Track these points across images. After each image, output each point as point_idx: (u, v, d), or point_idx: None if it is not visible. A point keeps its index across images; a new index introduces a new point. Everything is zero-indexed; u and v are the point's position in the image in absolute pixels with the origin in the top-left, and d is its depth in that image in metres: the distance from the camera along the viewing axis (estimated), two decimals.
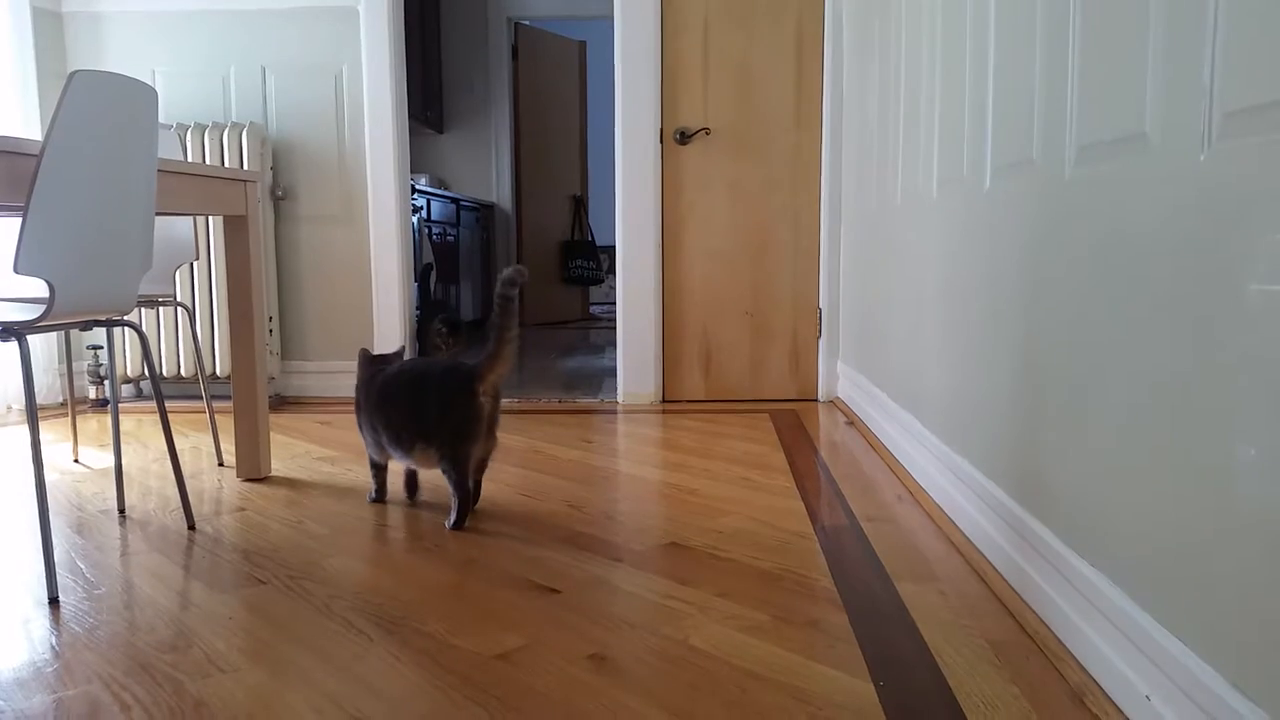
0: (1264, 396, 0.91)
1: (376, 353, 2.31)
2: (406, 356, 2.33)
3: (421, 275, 4.34)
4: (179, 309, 3.71)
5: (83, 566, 1.84)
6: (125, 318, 2.03)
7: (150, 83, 3.77)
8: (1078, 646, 1.34)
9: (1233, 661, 0.97)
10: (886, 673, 1.34)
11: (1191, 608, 1.05)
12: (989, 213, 1.79)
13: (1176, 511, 1.09)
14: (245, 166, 3.63)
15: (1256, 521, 0.93)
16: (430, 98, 6.64)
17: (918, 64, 2.40)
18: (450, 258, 6.11)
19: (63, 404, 3.80)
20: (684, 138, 3.67)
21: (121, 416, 3.58)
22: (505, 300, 2.02)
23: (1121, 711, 1.19)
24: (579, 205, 7.91)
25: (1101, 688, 1.25)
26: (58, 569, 1.82)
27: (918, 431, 2.37)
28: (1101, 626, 1.26)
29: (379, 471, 2.27)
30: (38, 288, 1.75)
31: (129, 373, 3.81)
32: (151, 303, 2.74)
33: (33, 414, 1.68)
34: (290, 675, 1.36)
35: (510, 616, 1.57)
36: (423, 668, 1.37)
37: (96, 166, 1.75)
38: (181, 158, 3.58)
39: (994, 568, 1.71)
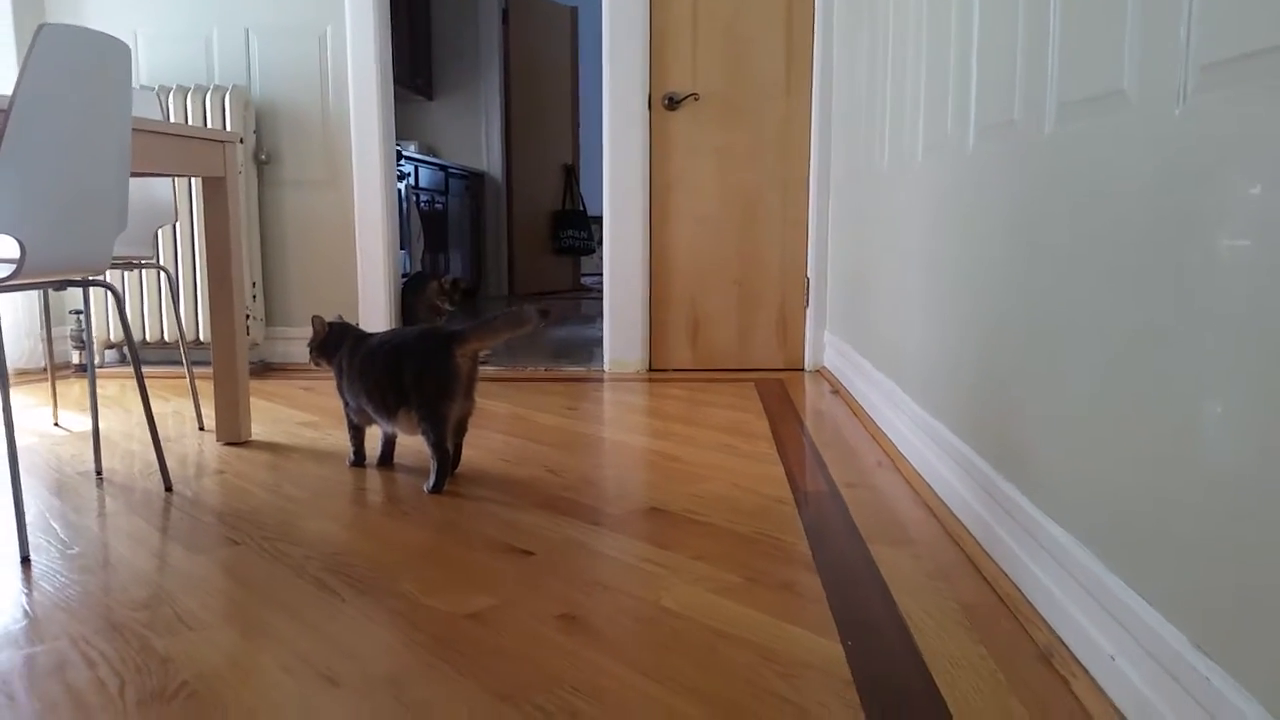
0: (1230, 355, 0.90)
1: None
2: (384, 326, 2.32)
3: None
4: (160, 273, 3.69)
5: (57, 527, 1.84)
6: (101, 278, 2.01)
7: (131, 44, 3.72)
8: (1047, 608, 1.34)
9: (1196, 622, 0.97)
10: (856, 633, 1.34)
11: (1157, 569, 1.05)
12: (971, 175, 1.78)
13: (1142, 472, 1.08)
14: (228, 130, 3.59)
15: (1219, 482, 0.92)
16: (419, 64, 6.57)
17: (905, 26, 2.38)
18: (439, 226, 6.08)
19: (45, 369, 3.78)
20: (672, 103, 3.64)
21: (104, 381, 3.57)
22: (521, 318, 2.04)
23: (1088, 672, 1.19)
24: (570, 174, 7.86)
25: (1069, 648, 1.25)
26: (33, 530, 1.81)
27: (899, 398, 2.37)
28: (1070, 588, 1.26)
29: (357, 434, 2.27)
30: (8, 247, 1.73)
31: (111, 337, 3.79)
32: (130, 265, 2.72)
33: (2, 373, 1.66)
34: (260, 634, 1.35)
35: (483, 578, 1.56)
36: (394, 627, 1.37)
37: (67, 122, 1.72)
38: (161, 120, 3.53)
39: (969, 532, 1.71)
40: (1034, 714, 1.13)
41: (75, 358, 3.81)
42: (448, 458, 2.07)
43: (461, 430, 2.15)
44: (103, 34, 1.79)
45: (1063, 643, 1.27)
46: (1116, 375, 1.15)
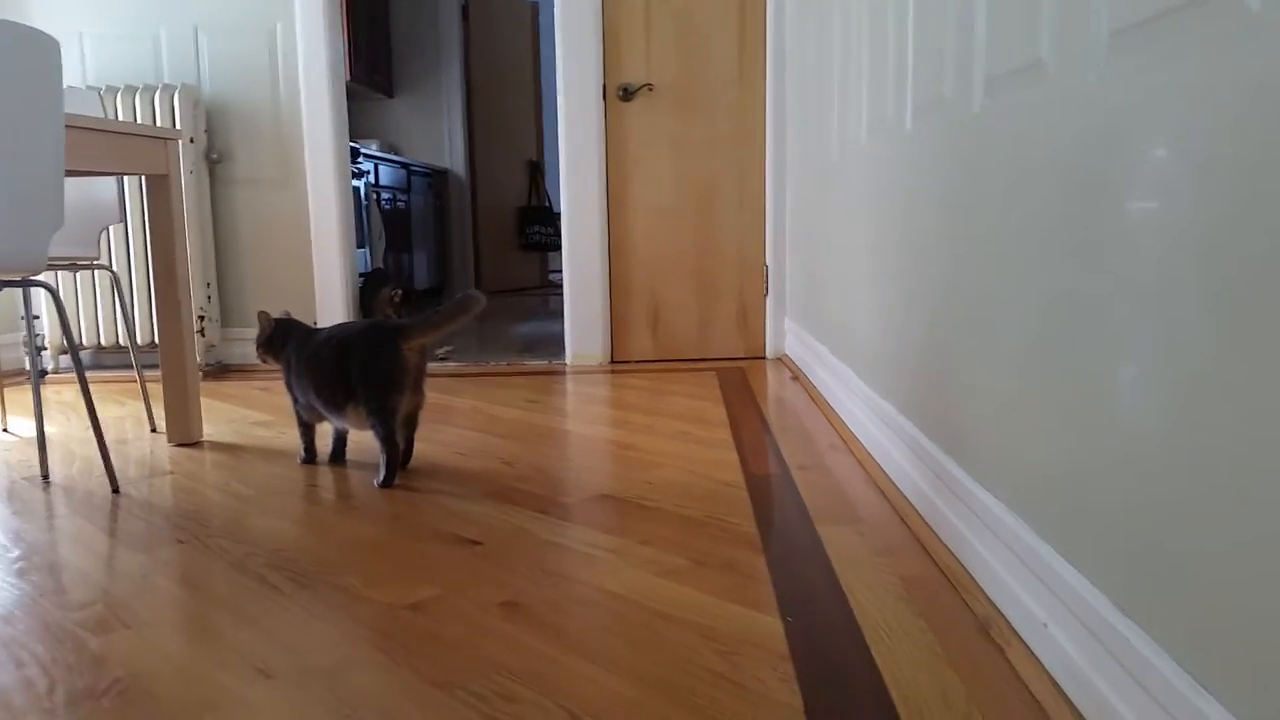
0: (1139, 319, 0.91)
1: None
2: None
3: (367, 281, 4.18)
4: (107, 275, 3.63)
5: None
6: (39, 279, 1.98)
7: (77, 44, 3.67)
8: (986, 580, 1.34)
9: (1119, 585, 0.98)
10: (796, 609, 1.34)
11: (1082, 533, 1.06)
12: (909, 155, 1.78)
13: (1065, 440, 1.09)
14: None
15: (1132, 444, 0.93)
16: (379, 61, 6.52)
17: (849, 8, 2.38)
18: (401, 225, 6.04)
19: (12, 373, 3.72)
20: (627, 94, 3.63)
21: (59, 386, 3.52)
22: (466, 303, 2.03)
23: (1023, 640, 1.20)
24: (535, 170, 7.83)
25: (1006, 618, 1.26)
26: None
27: (851, 381, 2.38)
28: (1005, 558, 1.27)
29: (307, 431, 2.25)
30: None
31: (64, 343, 3.73)
32: (75, 266, 2.68)
33: None
34: (196, 630, 1.34)
35: (428, 568, 1.55)
36: (332, 620, 1.36)
37: None
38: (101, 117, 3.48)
39: (914, 508, 1.72)
40: (968, 683, 1.13)
41: (29, 364, 3.75)
42: (397, 451, 2.06)
43: (412, 424, 2.14)
44: (29, 28, 1.76)
45: (1000, 613, 1.28)
46: (1039, 345, 1.16)
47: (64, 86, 1.90)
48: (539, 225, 7.71)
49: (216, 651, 1.26)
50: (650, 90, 3.63)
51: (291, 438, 2.54)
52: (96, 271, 3.66)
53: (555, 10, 3.58)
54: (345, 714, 1.09)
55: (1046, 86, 1.13)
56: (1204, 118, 0.80)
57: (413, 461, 2.22)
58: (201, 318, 3.65)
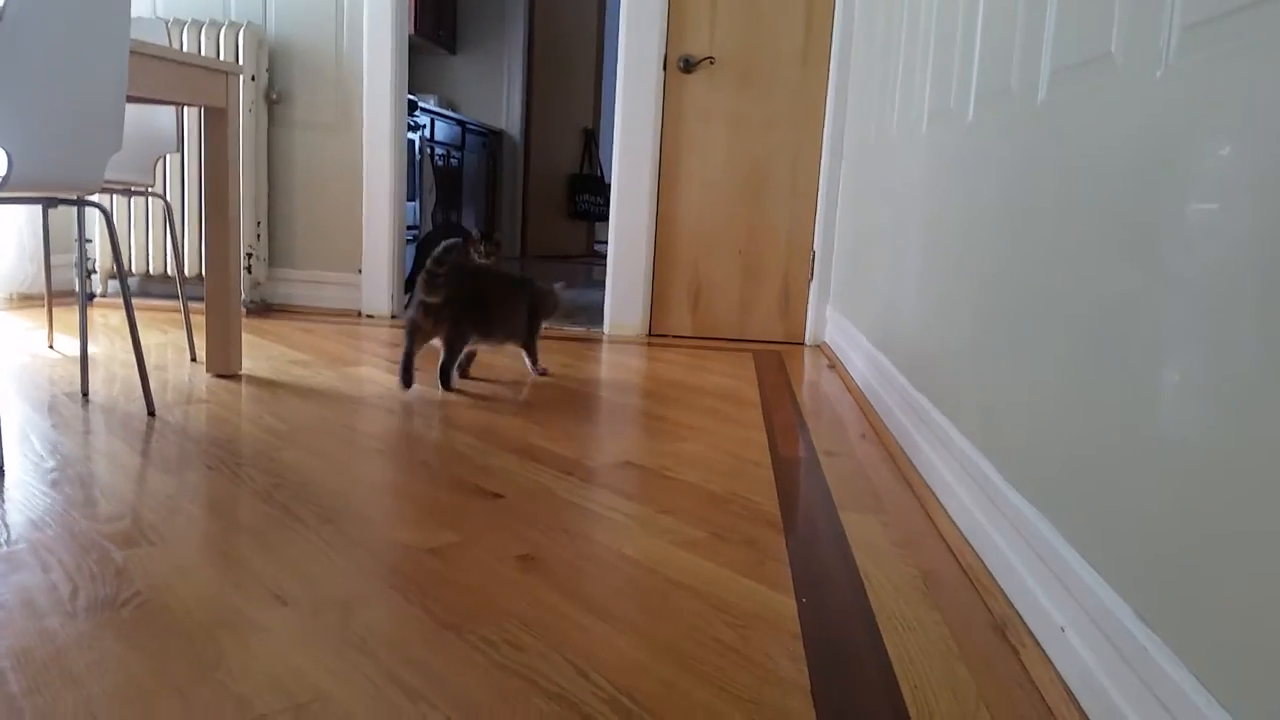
0: (1185, 324, 0.89)
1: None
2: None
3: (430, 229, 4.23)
4: (160, 204, 3.69)
5: (35, 442, 1.85)
6: (93, 199, 2.01)
7: None
8: (1006, 579, 1.33)
9: (1139, 592, 0.96)
10: (811, 591, 1.33)
11: (1106, 538, 1.04)
12: (970, 145, 1.75)
13: (1095, 440, 1.07)
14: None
15: (1169, 452, 0.91)
16: (444, 16, 6.52)
17: None
18: (453, 182, 6.05)
19: (65, 293, 3.79)
20: (688, 66, 3.60)
21: (107, 311, 3.58)
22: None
23: (1038, 642, 1.18)
24: (590, 138, 7.81)
25: (1023, 620, 1.24)
26: (11, 444, 1.82)
27: (887, 371, 2.35)
28: (1028, 559, 1.25)
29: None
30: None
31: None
32: (129, 190, 2.71)
33: None
34: (218, 553, 1.36)
35: (450, 516, 1.56)
36: (351, 555, 1.37)
37: (60, 36, 1.72)
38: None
39: (940, 503, 1.70)
40: (979, 679, 1.12)
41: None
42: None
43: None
44: None
45: (1018, 614, 1.26)
46: (1083, 347, 1.14)
47: (132, 15, 1.92)
48: (589, 194, 7.70)
49: (235, 575, 1.28)
50: (712, 64, 3.59)
51: (328, 378, 2.57)
52: (150, 200, 3.71)
53: None
54: (354, 644, 1.10)
55: (1112, 79, 1.10)
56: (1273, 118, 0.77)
57: (444, 413, 2.24)
58: (250, 255, 3.69)
